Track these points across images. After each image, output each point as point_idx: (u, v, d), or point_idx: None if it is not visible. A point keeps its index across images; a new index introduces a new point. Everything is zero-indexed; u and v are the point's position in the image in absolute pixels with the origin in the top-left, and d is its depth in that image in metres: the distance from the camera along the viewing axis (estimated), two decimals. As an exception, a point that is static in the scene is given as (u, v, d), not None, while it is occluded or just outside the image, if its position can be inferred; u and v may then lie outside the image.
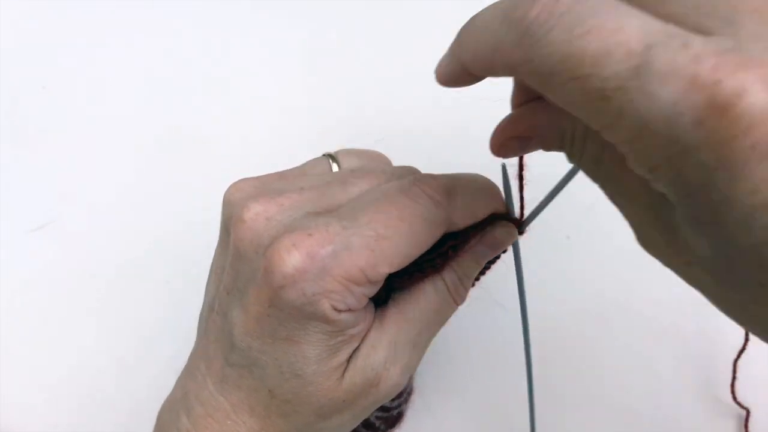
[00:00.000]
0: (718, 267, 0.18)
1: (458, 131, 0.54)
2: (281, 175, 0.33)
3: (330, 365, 0.29)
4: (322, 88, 0.58)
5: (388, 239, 0.27)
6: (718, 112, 0.15)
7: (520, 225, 0.33)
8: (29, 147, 0.59)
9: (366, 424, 0.42)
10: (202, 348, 0.33)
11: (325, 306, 0.27)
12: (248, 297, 0.29)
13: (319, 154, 0.35)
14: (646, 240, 0.23)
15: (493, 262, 0.35)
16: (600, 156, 0.23)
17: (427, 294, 0.31)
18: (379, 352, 0.30)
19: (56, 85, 0.60)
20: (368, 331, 0.30)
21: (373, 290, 0.28)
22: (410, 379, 0.40)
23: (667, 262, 0.22)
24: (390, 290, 0.31)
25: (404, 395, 0.40)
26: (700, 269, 0.20)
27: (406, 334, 0.30)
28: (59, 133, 0.59)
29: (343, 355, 0.29)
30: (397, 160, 0.37)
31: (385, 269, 0.27)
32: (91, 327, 0.54)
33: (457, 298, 0.32)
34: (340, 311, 0.28)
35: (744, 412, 0.48)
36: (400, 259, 0.28)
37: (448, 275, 0.31)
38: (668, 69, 0.16)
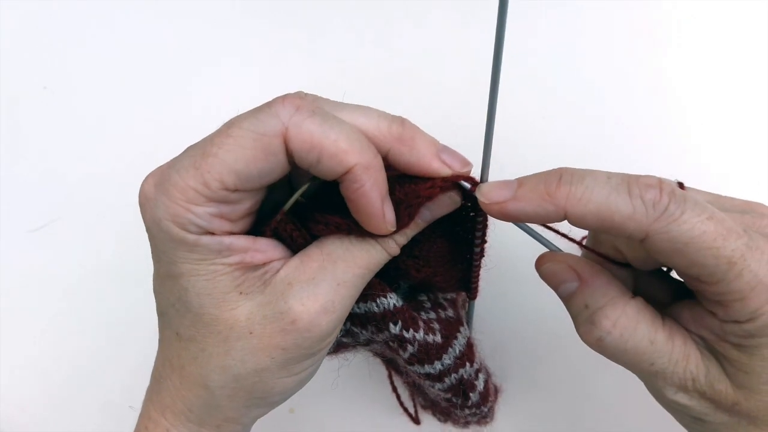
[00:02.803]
0: None
1: (460, 129, 0.54)
2: None
3: (213, 296, 0.29)
4: (321, 87, 0.58)
5: (213, 155, 0.27)
6: None
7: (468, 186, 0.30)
8: (29, 147, 0.59)
9: (444, 400, 0.40)
10: None
11: (175, 230, 0.28)
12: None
13: None
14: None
15: (478, 230, 0.33)
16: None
17: (352, 237, 0.30)
18: (296, 287, 0.29)
19: (56, 85, 0.60)
20: (283, 267, 0.30)
21: (227, 211, 0.28)
22: (468, 345, 0.37)
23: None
24: (313, 239, 0.31)
25: (447, 357, 0.36)
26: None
27: (329, 272, 0.30)
28: (59, 133, 0.59)
29: (225, 285, 0.29)
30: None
31: (216, 184, 0.27)
32: (91, 327, 0.54)
33: (387, 247, 0.31)
34: (193, 233, 0.28)
35: None
36: (231, 176, 0.27)
37: None
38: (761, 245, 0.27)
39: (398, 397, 0.49)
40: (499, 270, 0.35)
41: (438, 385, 0.37)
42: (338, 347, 0.38)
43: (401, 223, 0.30)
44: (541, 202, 0.27)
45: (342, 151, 0.27)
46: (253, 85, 0.59)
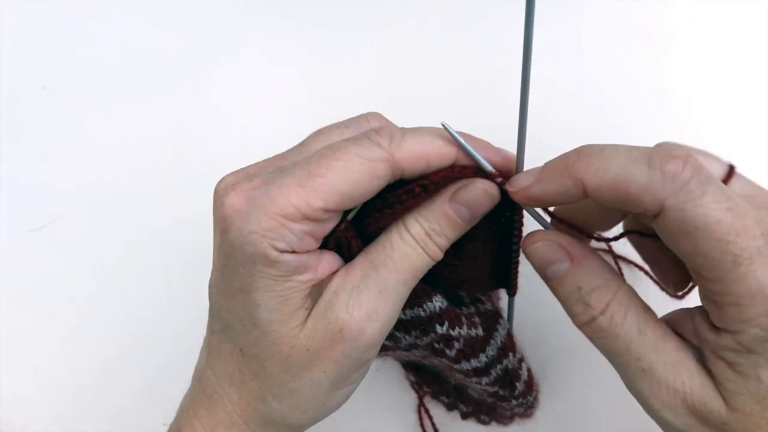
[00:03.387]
0: None
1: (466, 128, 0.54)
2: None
3: (283, 312, 0.29)
4: (324, 89, 0.58)
5: (320, 176, 0.28)
6: None
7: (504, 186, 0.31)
8: (29, 147, 0.59)
9: (490, 395, 0.41)
10: (207, 327, 0.35)
11: (264, 245, 0.28)
12: (214, 255, 0.31)
13: None
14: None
15: (516, 228, 0.34)
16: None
17: (392, 240, 0.31)
18: (342, 296, 0.30)
19: (56, 85, 0.60)
20: (332, 279, 0.31)
21: (315, 229, 0.29)
22: (508, 335, 0.38)
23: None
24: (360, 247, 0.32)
25: (490, 349, 0.37)
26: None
27: (372, 280, 0.30)
28: (59, 133, 0.59)
29: (294, 302, 0.30)
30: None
31: (319, 204, 0.28)
32: (91, 326, 0.54)
33: (427, 250, 0.31)
34: (281, 251, 0.28)
35: None
36: (335, 196, 0.28)
37: (411, 225, 0.31)
38: None
39: (421, 402, 0.50)
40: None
41: (485, 380, 0.38)
42: (379, 351, 0.39)
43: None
44: (561, 177, 0.28)
45: (442, 146, 0.30)
46: (253, 85, 0.59)
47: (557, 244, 0.31)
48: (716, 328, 0.27)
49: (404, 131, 0.30)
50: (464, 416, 0.49)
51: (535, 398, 0.42)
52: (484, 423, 0.48)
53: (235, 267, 0.29)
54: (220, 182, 0.32)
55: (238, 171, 0.32)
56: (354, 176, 0.28)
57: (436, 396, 0.49)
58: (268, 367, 0.31)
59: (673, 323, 0.30)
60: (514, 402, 0.41)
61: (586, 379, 0.50)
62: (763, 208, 0.28)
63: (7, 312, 0.55)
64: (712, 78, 0.55)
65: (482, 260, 0.36)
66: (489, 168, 0.31)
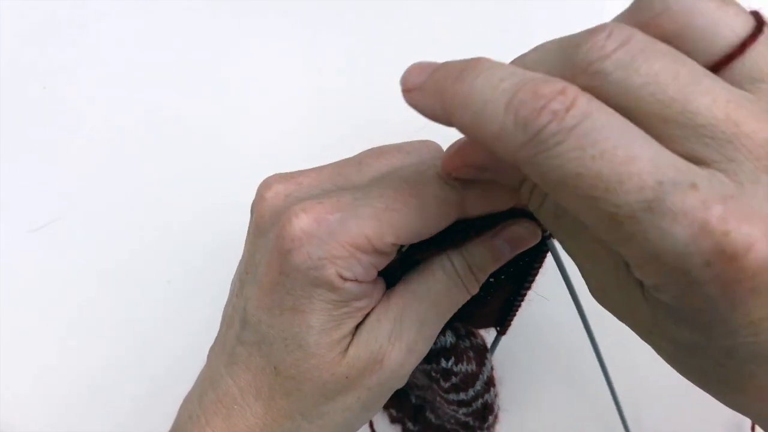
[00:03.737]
0: (684, 344, 0.22)
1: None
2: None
3: (333, 337, 0.29)
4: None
5: (397, 211, 0.27)
6: (727, 259, 0.17)
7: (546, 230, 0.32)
8: (29, 147, 0.58)
9: (458, 423, 0.41)
10: (220, 334, 0.34)
11: (331, 272, 0.27)
12: (262, 268, 0.30)
13: (343, 155, 0.35)
14: (602, 296, 0.25)
15: (533, 274, 0.34)
16: (561, 214, 0.25)
17: (435, 273, 0.31)
18: (384, 325, 0.30)
19: (56, 85, 0.60)
20: (374, 307, 0.30)
21: (380, 261, 0.28)
22: (491, 369, 0.39)
23: (621, 318, 0.25)
24: (403, 273, 0.31)
25: (479, 384, 0.38)
26: (660, 338, 0.23)
27: (413, 311, 0.30)
28: (59, 133, 0.59)
29: (346, 328, 0.29)
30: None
31: (392, 239, 0.27)
32: (91, 327, 0.54)
33: (467, 284, 0.31)
34: (345, 279, 0.28)
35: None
36: (408, 233, 0.28)
37: (457, 259, 0.31)
38: (679, 210, 0.17)
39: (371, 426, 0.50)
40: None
41: (463, 410, 0.39)
42: None
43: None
44: (434, 98, 0.22)
45: (508, 198, 0.29)
46: (256, 85, 0.59)
47: (466, 164, 0.28)
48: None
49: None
50: None
51: (493, 427, 0.43)
52: None
53: (291, 287, 0.29)
54: (266, 187, 0.31)
55: (284, 176, 0.31)
56: (429, 217, 0.28)
57: (385, 407, 0.49)
58: (304, 389, 0.30)
59: None
60: None
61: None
62: None
63: (7, 312, 0.55)
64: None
65: (493, 299, 0.36)
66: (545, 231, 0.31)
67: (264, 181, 0.32)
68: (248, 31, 0.60)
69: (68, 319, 0.54)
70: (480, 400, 0.39)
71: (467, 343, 0.38)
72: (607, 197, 0.18)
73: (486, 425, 0.41)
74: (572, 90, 0.19)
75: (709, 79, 0.19)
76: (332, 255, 0.27)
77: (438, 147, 0.33)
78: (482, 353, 0.39)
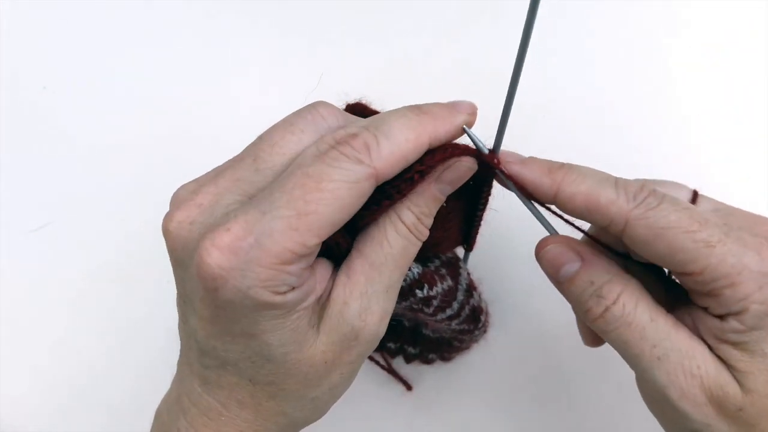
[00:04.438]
0: None
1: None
2: (216, 169, 0.33)
3: (296, 341, 0.29)
4: (324, 88, 0.58)
5: (311, 213, 0.26)
6: None
7: (484, 157, 0.32)
8: (29, 147, 0.58)
9: (455, 331, 0.43)
10: (183, 352, 0.34)
11: (264, 295, 0.27)
12: (196, 303, 0.29)
13: None
14: None
15: (485, 197, 0.35)
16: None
17: (390, 238, 0.31)
18: (352, 305, 0.30)
19: (56, 85, 0.60)
20: (333, 287, 0.30)
21: (309, 260, 0.28)
22: (468, 275, 0.41)
23: None
24: (352, 237, 0.31)
25: (459, 294, 0.39)
26: None
27: (378, 283, 0.30)
28: (59, 133, 0.59)
29: (303, 327, 0.29)
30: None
31: (314, 240, 0.27)
32: (91, 327, 0.54)
33: (418, 235, 0.31)
34: (283, 294, 0.27)
35: None
36: (328, 229, 0.27)
37: (406, 215, 0.31)
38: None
39: (389, 367, 0.50)
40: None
41: (456, 321, 0.41)
42: None
43: (414, 184, 0.30)
44: (541, 174, 0.31)
45: (415, 140, 0.29)
46: (255, 87, 0.59)
47: (567, 245, 0.32)
48: (718, 317, 0.29)
49: (375, 133, 0.28)
50: (408, 360, 0.50)
51: (487, 321, 0.45)
52: (429, 362, 0.50)
53: (233, 317, 0.28)
54: (169, 219, 0.30)
55: (183, 201, 0.31)
56: (343, 204, 0.27)
57: (380, 347, 0.49)
58: (287, 388, 0.30)
59: (678, 318, 0.31)
60: (476, 332, 0.44)
61: (532, 312, 0.51)
62: (729, 215, 0.32)
63: (7, 312, 0.55)
64: (722, 80, 0.55)
65: (453, 223, 0.37)
66: (485, 150, 0.32)
67: (166, 214, 0.31)
68: (248, 32, 0.60)
69: (68, 319, 0.54)
70: (467, 307, 0.41)
71: (437, 263, 0.39)
72: (702, 229, 0.28)
73: (480, 325, 0.43)
74: (649, 183, 0.31)
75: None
76: (260, 280, 0.26)
77: (329, 107, 0.31)
78: (455, 265, 0.40)
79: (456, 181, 0.32)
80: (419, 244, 0.32)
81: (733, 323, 0.28)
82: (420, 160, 0.30)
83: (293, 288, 0.28)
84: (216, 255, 0.26)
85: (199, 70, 0.59)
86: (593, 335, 0.36)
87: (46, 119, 0.59)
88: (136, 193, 0.56)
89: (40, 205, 0.57)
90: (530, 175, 0.32)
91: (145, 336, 0.53)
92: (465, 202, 0.37)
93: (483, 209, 0.37)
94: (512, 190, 0.33)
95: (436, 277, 0.37)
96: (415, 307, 0.37)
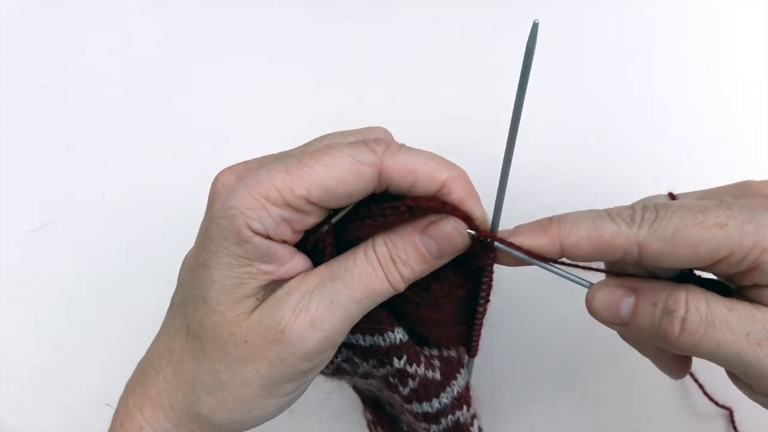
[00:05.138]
0: None
1: (462, 127, 0.54)
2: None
3: (234, 294, 0.30)
4: (326, 88, 0.58)
5: (309, 167, 0.29)
6: None
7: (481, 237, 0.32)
8: (29, 147, 0.58)
9: None
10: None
11: (239, 221, 0.29)
12: (199, 232, 0.32)
13: None
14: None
15: (484, 289, 0.34)
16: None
17: (357, 256, 0.31)
18: (293, 296, 0.30)
19: (56, 85, 0.60)
20: (291, 279, 0.31)
21: (294, 218, 0.29)
22: (466, 387, 0.38)
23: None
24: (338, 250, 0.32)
25: (444, 396, 0.37)
26: None
27: (327, 289, 0.30)
28: (59, 133, 0.58)
29: (248, 288, 0.30)
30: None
31: (302, 192, 0.28)
32: (91, 327, 0.54)
33: (389, 275, 0.31)
34: (254, 232, 0.29)
35: (727, 412, 0.48)
36: (319, 189, 0.29)
37: (379, 245, 0.31)
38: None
39: None
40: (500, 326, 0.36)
41: (434, 427, 0.37)
42: (336, 372, 0.38)
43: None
44: (536, 236, 0.31)
45: (433, 169, 0.30)
46: (255, 86, 0.59)
47: (612, 285, 0.32)
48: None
49: (401, 145, 0.31)
50: None
51: None
52: None
53: (206, 241, 0.30)
54: (221, 170, 0.33)
55: (239, 163, 0.33)
56: (341, 173, 0.29)
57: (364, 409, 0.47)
58: (207, 350, 0.30)
59: None
60: None
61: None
62: (716, 194, 0.32)
63: (6, 312, 0.55)
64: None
65: (446, 306, 0.35)
66: (480, 215, 0.32)
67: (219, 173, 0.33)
68: (248, 32, 0.60)
69: (67, 319, 0.54)
70: (450, 417, 0.37)
71: (434, 352, 0.37)
72: (707, 217, 0.28)
73: None
74: (638, 204, 0.31)
75: None
76: (243, 205, 0.29)
77: (385, 130, 0.34)
78: (453, 366, 0.37)
79: (442, 240, 0.31)
80: (388, 287, 0.31)
81: None
82: (414, 198, 0.30)
83: (266, 236, 0.29)
84: (225, 174, 0.31)
85: (201, 70, 0.59)
86: (677, 364, 0.36)
87: (46, 119, 0.59)
88: (136, 193, 0.56)
89: (40, 205, 0.57)
90: (526, 241, 0.31)
91: (145, 336, 0.53)
92: (465, 293, 0.35)
93: (484, 305, 0.35)
94: (520, 257, 0.32)
95: (422, 358, 0.35)
96: (392, 380, 0.35)
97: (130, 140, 0.58)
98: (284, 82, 0.58)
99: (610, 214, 0.30)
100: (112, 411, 0.52)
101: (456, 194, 0.31)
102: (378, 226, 0.31)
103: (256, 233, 0.29)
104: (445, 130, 0.54)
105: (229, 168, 0.32)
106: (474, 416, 0.39)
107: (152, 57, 0.60)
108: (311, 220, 0.30)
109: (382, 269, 0.31)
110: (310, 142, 0.33)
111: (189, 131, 0.58)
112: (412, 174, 0.30)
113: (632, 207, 0.30)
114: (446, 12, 0.59)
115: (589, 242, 0.30)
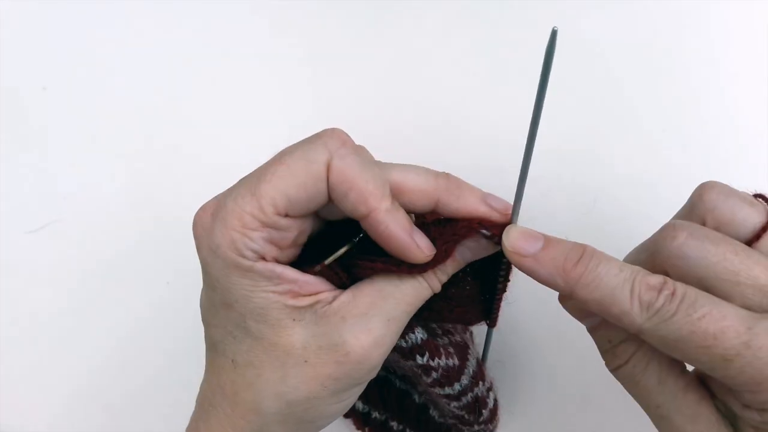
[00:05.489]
0: None
1: (463, 131, 0.54)
2: None
3: (269, 321, 0.30)
4: (326, 96, 0.58)
5: (266, 181, 0.29)
6: None
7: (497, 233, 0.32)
8: (29, 147, 0.58)
9: (454, 416, 0.42)
10: None
11: (232, 255, 0.29)
12: (202, 275, 0.32)
13: None
14: None
15: (505, 278, 0.36)
16: (664, 379, 0.31)
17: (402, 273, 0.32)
18: (349, 321, 0.31)
19: (56, 85, 0.60)
20: (335, 301, 0.31)
21: (274, 236, 0.30)
22: (478, 364, 0.41)
23: None
24: (354, 276, 0.33)
25: (464, 378, 0.40)
26: None
27: (380, 309, 0.31)
28: (59, 133, 0.59)
29: (279, 311, 0.30)
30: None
31: (270, 208, 0.29)
32: (90, 328, 0.54)
33: (431, 284, 0.33)
34: (248, 259, 0.29)
35: None
36: (283, 201, 0.29)
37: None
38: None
39: None
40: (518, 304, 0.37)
41: (454, 404, 0.40)
42: None
43: (437, 258, 0.32)
44: (555, 274, 0.30)
45: (369, 192, 0.29)
46: (255, 87, 0.59)
47: None
48: (741, 401, 0.29)
49: (358, 149, 0.31)
50: None
51: (495, 426, 0.44)
52: None
53: (212, 283, 0.31)
54: (197, 211, 0.33)
55: (211, 199, 0.33)
56: (298, 180, 0.29)
57: (383, 426, 0.49)
58: (264, 375, 0.31)
59: (707, 379, 0.31)
60: (476, 427, 0.43)
61: (548, 409, 0.50)
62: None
63: (6, 313, 0.55)
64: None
65: (474, 298, 0.38)
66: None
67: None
68: (249, 33, 0.60)
69: (67, 319, 0.54)
70: (470, 394, 0.40)
71: (445, 340, 0.39)
72: (717, 343, 0.26)
73: (481, 419, 0.42)
74: (670, 280, 0.28)
75: (754, 253, 0.28)
76: (227, 240, 0.29)
77: (340, 131, 0.33)
78: (464, 349, 0.40)
79: (476, 249, 0.33)
80: (430, 293, 0.33)
81: (754, 415, 0.28)
82: (445, 239, 0.31)
83: (262, 259, 0.30)
84: (200, 215, 0.31)
85: (201, 70, 0.59)
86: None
87: (46, 119, 0.59)
88: (136, 192, 0.56)
89: (40, 205, 0.57)
90: (543, 274, 0.30)
91: (145, 336, 0.53)
92: (486, 276, 0.37)
93: (504, 282, 0.37)
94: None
95: (442, 350, 0.37)
96: (416, 371, 0.38)
97: (130, 140, 0.58)
98: (287, 83, 0.58)
99: (634, 287, 0.28)
100: (112, 411, 0.52)
101: (462, 205, 0.32)
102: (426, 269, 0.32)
103: (255, 260, 0.29)
104: (453, 135, 0.54)
105: (202, 208, 0.32)
106: (489, 388, 0.42)
107: (153, 57, 0.60)
108: (293, 233, 0.31)
109: (425, 280, 0.32)
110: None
111: (189, 131, 0.58)
112: (347, 185, 0.29)
113: (659, 289, 0.28)
114: (454, 16, 0.59)
115: (596, 307, 0.29)
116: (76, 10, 0.62)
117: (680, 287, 0.28)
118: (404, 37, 0.58)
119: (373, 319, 0.31)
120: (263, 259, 0.30)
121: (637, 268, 0.29)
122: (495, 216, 0.32)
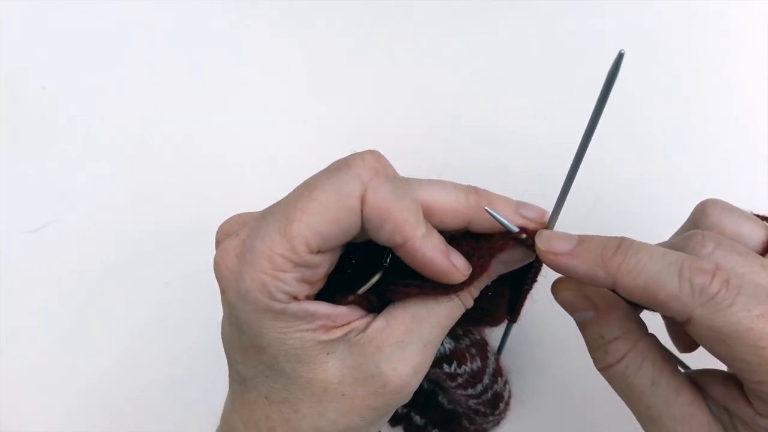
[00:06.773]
0: None
1: (463, 131, 0.54)
2: None
3: (304, 360, 0.29)
4: (326, 96, 0.58)
5: (297, 220, 0.27)
6: None
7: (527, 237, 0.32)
8: (29, 147, 0.58)
9: (471, 409, 0.43)
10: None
11: (261, 299, 0.27)
12: (226, 315, 0.31)
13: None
14: None
15: (534, 278, 0.35)
16: (657, 380, 0.30)
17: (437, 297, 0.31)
18: (385, 351, 0.30)
19: (56, 85, 0.60)
20: (369, 329, 0.30)
21: (306, 274, 0.28)
22: (496, 361, 0.41)
23: None
24: (385, 299, 0.31)
25: (486, 377, 0.40)
26: None
27: (416, 335, 0.30)
28: (59, 133, 0.59)
29: (313, 350, 0.29)
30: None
31: (303, 248, 0.27)
32: (89, 328, 0.54)
33: (464, 301, 0.32)
34: (280, 302, 0.28)
35: None
36: (317, 239, 0.27)
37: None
38: None
39: None
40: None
41: (474, 400, 0.40)
42: None
43: (473, 274, 0.30)
44: (594, 265, 0.28)
45: (405, 221, 0.28)
46: (256, 88, 0.59)
47: (582, 294, 0.31)
48: (754, 407, 0.28)
49: (398, 176, 0.30)
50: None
51: (506, 414, 0.45)
52: None
53: (240, 327, 0.29)
54: (218, 231, 0.32)
55: (234, 218, 0.32)
56: (330, 215, 0.27)
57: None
58: (301, 411, 0.30)
59: (702, 380, 0.31)
60: (490, 418, 0.43)
61: (557, 396, 0.50)
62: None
63: (5, 313, 0.55)
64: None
65: (503, 303, 0.37)
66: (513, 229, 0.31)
67: (219, 226, 0.32)
68: (249, 34, 0.60)
69: (66, 320, 0.54)
70: (490, 392, 0.40)
71: (467, 342, 0.39)
72: None
73: (497, 412, 0.42)
74: (723, 268, 0.26)
75: None
76: (257, 284, 0.27)
77: (374, 154, 0.31)
78: (483, 347, 0.40)
79: (510, 263, 0.32)
80: (463, 310, 0.32)
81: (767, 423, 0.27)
82: (480, 254, 0.30)
83: (294, 299, 0.28)
84: (225, 257, 0.29)
85: (202, 71, 0.59)
86: (685, 342, 0.35)
87: (46, 119, 0.59)
88: (135, 193, 0.56)
89: (40, 205, 0.57)
90: (582, 268, 0.29)
91: (144, 336, 0.53)
92: (515, 279, 0.36)
93: (531, 284, 0.36)
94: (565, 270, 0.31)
95: (467, 356, 0.37)
96: (441, 376, 0.38)
97: (130, 140, 0.58)
98: (292, 80, 0.58)
99: (683, 270, 0.26)
100: (111, 410, 0.52)
101: (496, 223, 0.30)
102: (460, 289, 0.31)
103: (287, 301, 0.28)
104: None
105: (223, 248, 0.29)
106: (506, 382, 0.42)
107: (153, 57, 0.60)
108: (325, 267, 0.29)
109: (459, 298, 0.32)
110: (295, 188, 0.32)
111: (190, 131, 0.58)
112: (384, 216, 0.28)
113: (713, 274, 0.26)
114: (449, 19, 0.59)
115: (641, 293, 0.27)
116: (77, 9, 0.61)
117: (735, 277, 0.26)
118: (404, 37, 0.58)
119: (409, 346, 0.30)
120: (295, 299, 0.28)
121: (683, 253, 0.27)
122: (531, 226, 0.31)
